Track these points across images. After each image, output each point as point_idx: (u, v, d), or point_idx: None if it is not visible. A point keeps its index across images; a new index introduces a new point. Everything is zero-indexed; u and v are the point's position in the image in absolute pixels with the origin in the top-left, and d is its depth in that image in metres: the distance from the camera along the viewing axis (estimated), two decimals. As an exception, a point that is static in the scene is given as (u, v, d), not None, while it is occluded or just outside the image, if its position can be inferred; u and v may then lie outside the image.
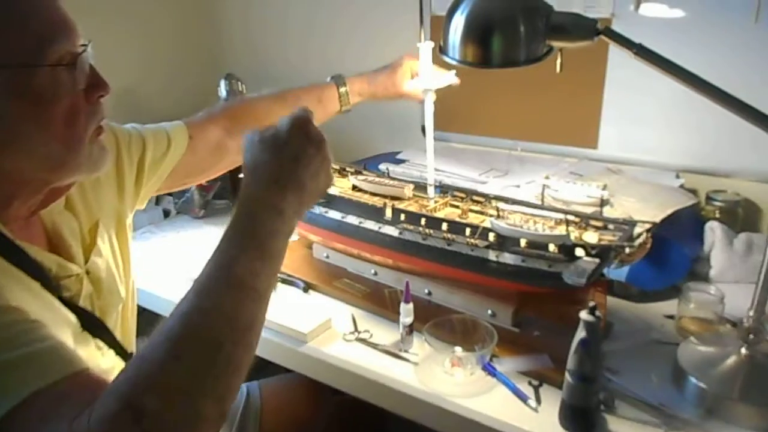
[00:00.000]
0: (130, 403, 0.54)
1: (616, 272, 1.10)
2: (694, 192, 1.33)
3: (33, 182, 0.73)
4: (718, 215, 1.28)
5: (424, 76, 1.03)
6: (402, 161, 1.54)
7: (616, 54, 1.20)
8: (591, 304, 0.77)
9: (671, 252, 1.14)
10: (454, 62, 0.88)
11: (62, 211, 0.82)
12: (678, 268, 1.16)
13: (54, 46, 0.66)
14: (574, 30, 0.81)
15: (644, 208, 1.17)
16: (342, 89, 1.18)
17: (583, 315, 0.78)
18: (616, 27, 1.34)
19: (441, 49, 0.90)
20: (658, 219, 1.13)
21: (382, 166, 1.46)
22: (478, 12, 0.83)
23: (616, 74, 1.39)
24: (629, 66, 0.87)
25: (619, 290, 1.15)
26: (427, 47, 1.01)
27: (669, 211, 1.17)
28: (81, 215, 0.85)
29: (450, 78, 1.03)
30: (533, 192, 1.25)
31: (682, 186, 1.32)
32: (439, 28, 0.93)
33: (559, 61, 0.85)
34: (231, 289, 0.62)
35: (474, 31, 0.84)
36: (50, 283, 0.73)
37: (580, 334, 0.78)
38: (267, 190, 0.68)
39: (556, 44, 0.84)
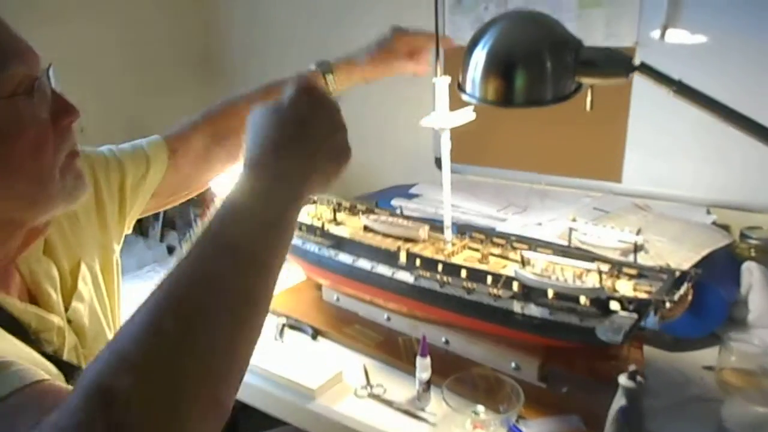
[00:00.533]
0: (99, 385, 0.45)
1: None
2: (726, 228, 1.26)
3: (6, 226, 0.66)
4: (753, 254, 1.20)
5: (441, 114, 0.96)
6: (415, 196, 1.47)
7: (640, 82, 1.14)
8: (631, 368, 0.70)
9: (707, 296, 1.05)
10: (473, 101, 0.81)
11: (40, 258, 0.76)
12: (715, 314, 1.07)
13: (7, 73, 0.59)
14: (606, 66, 0.74)
15: (677, 249, 1.10)
16: (329, 76, 1.06)
17: (623, 380, 0.70)
18: (640, 56, 1.30)
19: (459, 86, 0.83)
20: (692, 261, 1.06)
21: (395, 203, 1.40)
22: (501, 46, 0.77)
23: (641, 103, 1.32)
24: (654, 94, 0.80)
25: (652, 338, 1.07)
26: (443, 82, 0.95)
27: (704, 253, 1.09)
28: (61, 258, 0.79)
29: (468, 115, 0.96)
30: (557, 231, 1.18)
31: (714, 223, 1.24)
32: (452, 58, 0.87)
33: (589, 98, 0.78)
34: (220, 255, 0.52)
35: (496, 67, 0.77)
36: (29, 337, 0.67)
37: (620, 401, 0.70)
38: (266, 154, 0.59)
39: (586, 81, 0.77)
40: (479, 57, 0.78)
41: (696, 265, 1.04)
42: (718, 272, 1.13)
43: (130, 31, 1.80)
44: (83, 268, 0.81)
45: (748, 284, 1.13)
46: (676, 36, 1.25)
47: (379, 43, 1.06)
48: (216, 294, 0.51)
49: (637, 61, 0.74)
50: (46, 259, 0.77)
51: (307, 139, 0.60)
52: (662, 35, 1.26)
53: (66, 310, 0.76)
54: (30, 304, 0.71)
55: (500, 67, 0.77)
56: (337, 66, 1.06)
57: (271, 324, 1.18)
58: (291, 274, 1.33)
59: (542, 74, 0.76)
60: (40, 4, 1.54)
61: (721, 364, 0.97)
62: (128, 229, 0.96)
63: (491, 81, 0.78)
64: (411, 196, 1.46)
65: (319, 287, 1.26)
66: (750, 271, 1.13)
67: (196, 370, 0.47)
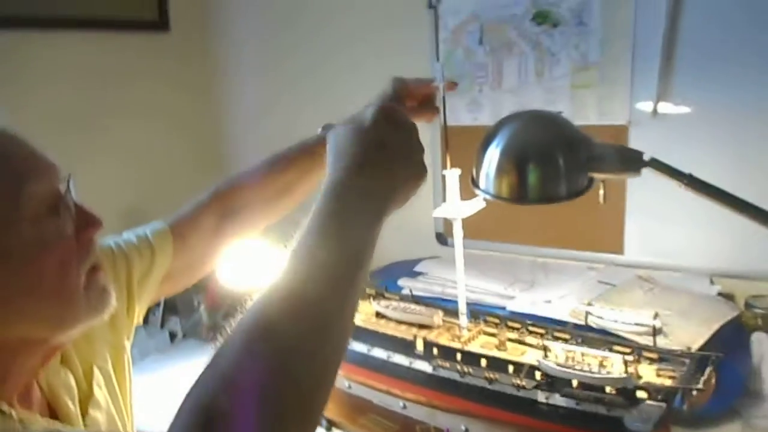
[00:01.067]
0: (200, 405, 0.46)
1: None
2: (731, 298, 1.27)
3: (30, 345, 0.65)
4: (760, 323, 1.21)
5: (452, 204, 0.98)
6: (419, 274, 1.47)
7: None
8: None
9: (723, 371, 1.06)
10: (488, 197, 0.83)
11: (58, 370, 0.74)
12: (733, 389, 1.07)
13: (30, 192, 0.59)
14: (617, 163, 0.77)
15: (686, 325, 1.10)
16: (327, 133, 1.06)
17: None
18: (633, 134, 1.34)
19: (473, 182, 0.85)
20: (705, 338, 1.06)
21: (402, 283, 1.40)
22: (515, 146, 0.79)
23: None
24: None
25: (674, 418, 1.06)
26: (453, 175, 0.97)
27: (715, 327, 1.10)
28: (75, 366, 0.77)
29: (479, 204, 0.98)
30: (567, 308, 1.18)
31: (719, 293, 1.26)
32: (452, 139, 0.89)
33: (602, 192, 0.80)
34: (311, 274, 0.53)
35: (510, 165, 0.79)
36: None
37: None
38: (352, 174, 0.61)
39: (598, 176, 0.79)
40: (493, 155, 0.81)
41: (708, 341, 1.05)
42: (729, 345, 1.13)
43: (139, 141, 1.83)
44: (96, 372, 0.79)
45: (759, 355, 1.13)
46: (668, 110, 1.29)
47: (382, 98, 1.01)
48: (307, 314, 0.51)
49: (644, 154, 0.77)
50: (63, 369, 0.75)
51: (388, 159, 0.62)
52: (654, 111, 1.31)
53: (83, 416, 0.74)
54: (51, 419, 0.69)
55: (514, 166, 0.79)
56: None
57: (283, 416, 1.16)
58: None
59: (556, 172, 0.78)
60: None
61: (745, 442, 0.97)
62: (138, 322, 0.94)
63: (505, 178, 0.80)
64: (416, 275, 1.47)
65: (330, 373, 1.24)
66: (760, 342, 1.14)
67: (292, 391, 0.48)
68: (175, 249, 0.95)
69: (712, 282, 1.30)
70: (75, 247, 0.64)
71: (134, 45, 1.79)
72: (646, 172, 1.42)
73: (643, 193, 1.35)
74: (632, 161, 0.76)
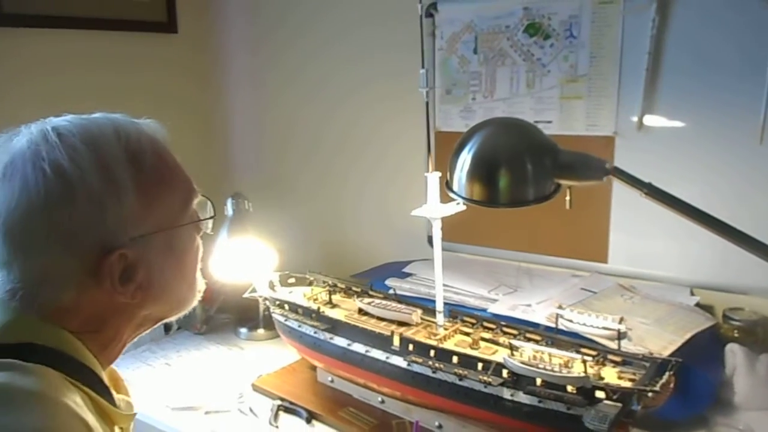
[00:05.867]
0: None
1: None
2: (710, 309, 1.30)
3: (147, 323, 0.75)
4: (737, 335, 1.23)
5: (432, 205, 1.02)
6: (409, 275, 1.51)
7: (622, 165, 1.21)
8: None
9: (694, 379, 1.08)
10: (460, 199, 0.87)
11: None
12: (702, 397, 1.10)
13: (190, 205, 0.74)
14: (582, 170, 0.81)
15: (661, 333, 1.13)
16: None
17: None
18: (620, 145, 1.37)
19: (447, 185, 0.89)
20: (676, 345, 1.09)
21: (390, 283, 1.44)
22: (485, 150, 0.83)
23: (623, 186, 1.38)
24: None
25: (641, 421, 1.08)
26: (434, 177, 1.01)
27: (687, 336, 1.13)
28: None
29: (457, 206, 1.02)
30: (545, 313, 1.21)
31: (698, 304, 1.29)
32: (442, 145, 0.93)
33: (568, 198, 0.84)
34: None
35: (481, 169, 0.83)
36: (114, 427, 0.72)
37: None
38: None
39: (564, 182, 0.83)
40: (465, 159, 0.85)
41: (680, 348, 1.08)
42: (704, 354, 1.16)
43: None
44: None
45: (732, 366, 1.16)
46: (653, 123, 1.32)
47: None
48: None
49: (613, 159, 0.80)
50: None
51: None
52: (639, 123, 1.34)
53: None
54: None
55: (484, 170, 0.83)
56: None
57: (265, 407, 1.20)
58: (285, 354, 1.36)
59: (524, 176, 0.82)
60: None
61: (709, 448, 0.99)
62: None
63: (476, 183, 0.84)
64: (404, 275, 1.50)
65: (313, 368, 1.28)
66: (733, 353, 1.17)
67: None
68: None
69: (692, 293, 1.32)
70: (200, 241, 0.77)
71: (144, 44, 1.86)
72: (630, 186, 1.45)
73: (628, 204, 1.38)
74: (595, 169, 0.80)
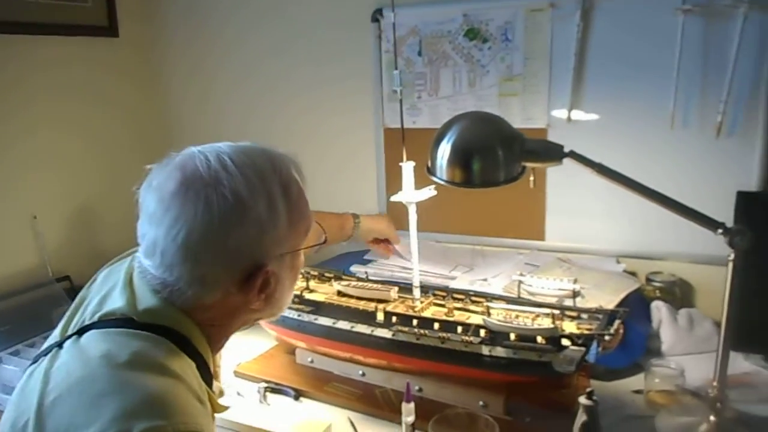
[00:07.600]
0: None
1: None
2: (634, 274, 1.50)
3: (253, 321, 0.87)
4: (658, 294, 1.45)
5: (407, 192, 1.15)
6: (369, 261, 1.63)
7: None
8: (588, 389, 0.87)
9: (629, 332, 1.27)
10: (441, 182, 1.00)
11: None
12: (637, 346, 1.29)
13: (310, 229, 0.84)
14: (545, 154, 0.96)
15: (601, 294, 1.32)
16: (357, 221, 1.49)
17: (583, 400, 0.88)
18: (551, 136, 1.56)
19: (429, 170, 1.02)
20: (614, 303, 1.28)
21: (354, 269, 1.54)
22: (463, 140, 0.97)
23: (556, 171, 1.57)
24: (565, 166, 1.01)
25: (593, 370, 1.26)
26: (408, 167, 1.13)
27: (622, 295, 1.32)
28: None
29: (430, 192, 1.15)
30: (501, 284, 1.37)
31: (624, 270, 1.49)
32: (391, 140, 1.00)
33: (532, 178, 0.99)
34: None
35: (459, 156, 0.97)
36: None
37: (582, 418, 0.88)
38: None
39: (529, 165, 0.98)
40: (445, 148, 0.98)
41: (617, 307, 1.27)
42: (633, 311, 1.36)
43: (95, 139, 1.91)
44: None
45: (657, 320, 1.36)
46: (580, 117, 1.52)
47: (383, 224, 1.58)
48: None
49: (564, 147, 0.96)
50: None
51: None
52: (568, 117, 1.53)
53: None
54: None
55: (462, 157, 0.97)
56: (363, 217, 1.52)
57: (252, 389, 1.27)
58: (259, 343, 1.43)
59: (496, 161, 0.96)
60: None
61: (648, 387, 1.18)
62: None
63: (455, 167, 0.97)
64: (366, 262, 1.62)
65: (291, 351, 1.37)
66: (658, 308, 1.37)
67: None
68: None
69: (618, 261, 1.53)
70: None
71: (86, 48, 1.86)
72: (563, 172, 1.65)
73: (560, 190, 1.57)
74: (555, 153, 0.95)
